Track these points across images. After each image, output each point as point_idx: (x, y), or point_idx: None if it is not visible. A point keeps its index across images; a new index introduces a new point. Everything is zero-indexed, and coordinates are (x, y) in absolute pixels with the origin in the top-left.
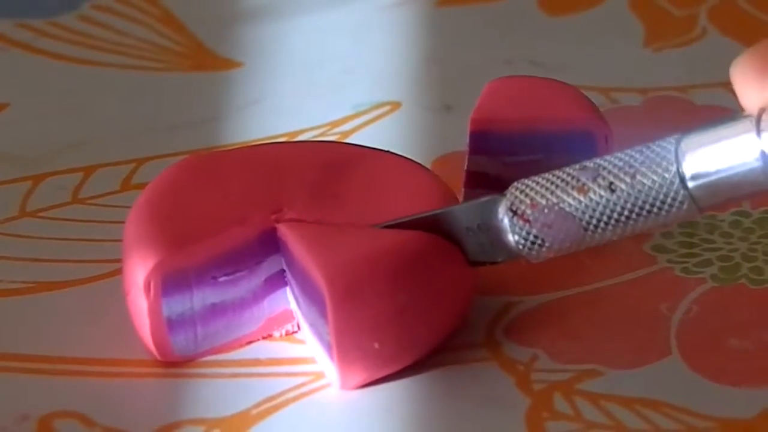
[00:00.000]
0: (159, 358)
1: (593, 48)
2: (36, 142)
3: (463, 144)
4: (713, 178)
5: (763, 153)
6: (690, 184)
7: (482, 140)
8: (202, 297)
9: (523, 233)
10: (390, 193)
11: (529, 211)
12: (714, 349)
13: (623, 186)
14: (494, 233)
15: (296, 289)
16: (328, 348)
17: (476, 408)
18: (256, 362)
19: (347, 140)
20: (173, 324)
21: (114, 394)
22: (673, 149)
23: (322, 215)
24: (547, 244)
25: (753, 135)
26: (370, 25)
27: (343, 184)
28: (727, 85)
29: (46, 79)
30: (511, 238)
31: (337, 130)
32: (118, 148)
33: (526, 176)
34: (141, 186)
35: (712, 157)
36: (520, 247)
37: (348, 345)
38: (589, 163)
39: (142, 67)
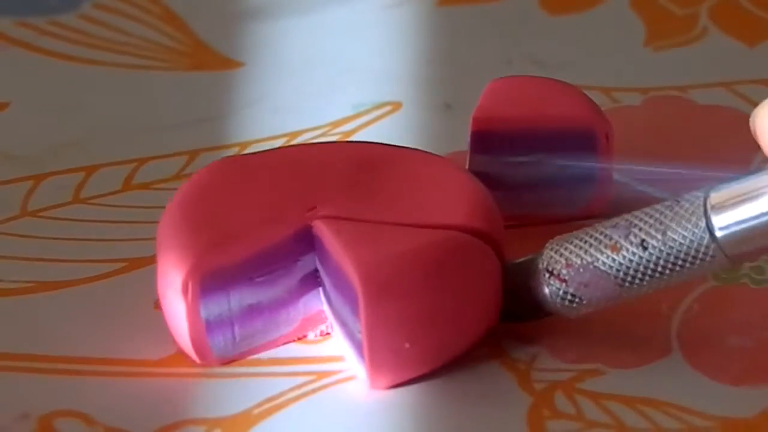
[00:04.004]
0: (198, 361)
1: (594, 47)
2: (37, 141)
3: (464, 143)
4: (741, 229)
5: None
6: (719, 238)
7: (484, 139)
8: (239, 298)
9: (560, 293)
10: (424, 190)
11: (564, 271)
12: (715, 348)
13: (655, 243)
14: (531, 293)
15: (329, 287)
16: (359, 347)
17: (477, 406)
18: (258, 362)
19: (348, 140)
20: (211, 326)
21: (115, 393)
22: (701, 204)
23: (357, 212)
24: (584, 302)
25: None
26: (370, 25)
27: (376, 181)
28: (728, 85)
29: (48, 78)
30: (549, 297)
31: (337, 130)
32: (120, 147)
33: (528, 175)
34: (143, 185)
35: (739, 209)
36: (558, 305)
37: (379, 344)
38: (621, 221)
39: (144, 66)
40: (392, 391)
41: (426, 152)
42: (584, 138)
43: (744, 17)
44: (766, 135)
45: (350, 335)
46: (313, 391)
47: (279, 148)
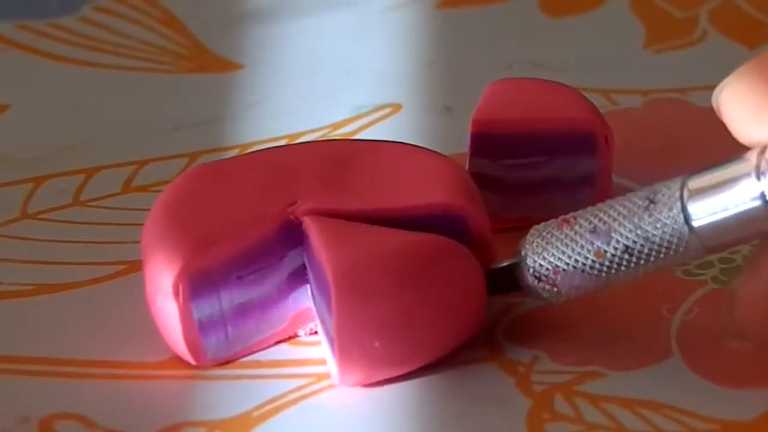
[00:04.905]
0: (193, 362)
1: (594, 49)
2: (37, 143)
3: (464, 146)
4: (717, 221)
5: (763, 195)
6: (696, 229)
7: (483, 142)
8: (229, 297)
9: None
10: (401, 174)
11: (553, 277)
12: (715, 351)
13: (638, 248)
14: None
15: (313, 284)
16: (331, 343)
17: (476, 409)
18: (258, 364)
19: (322, 139)
20: (204, 326)
21: (115, 396)
22: (677, 197)
23: (337, 203)
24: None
25: (753, 179)
26: (370, 27)
27: (353, 172)
28: None
29: (47, 81)
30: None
31: (338, 132)
32: (120, 149)
33: (527, 178)
34: (143, 188)
35: (715, 202)
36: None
37: (349, 341)
38: (600, 224)
39: (143, 69)
40: (392, 394)
41: (400, 142)
42: (584, 140)
43: (744, 20)
44: (728, 108)
45: (327, 332)
46: (313, 393)
47: (256, 151)
